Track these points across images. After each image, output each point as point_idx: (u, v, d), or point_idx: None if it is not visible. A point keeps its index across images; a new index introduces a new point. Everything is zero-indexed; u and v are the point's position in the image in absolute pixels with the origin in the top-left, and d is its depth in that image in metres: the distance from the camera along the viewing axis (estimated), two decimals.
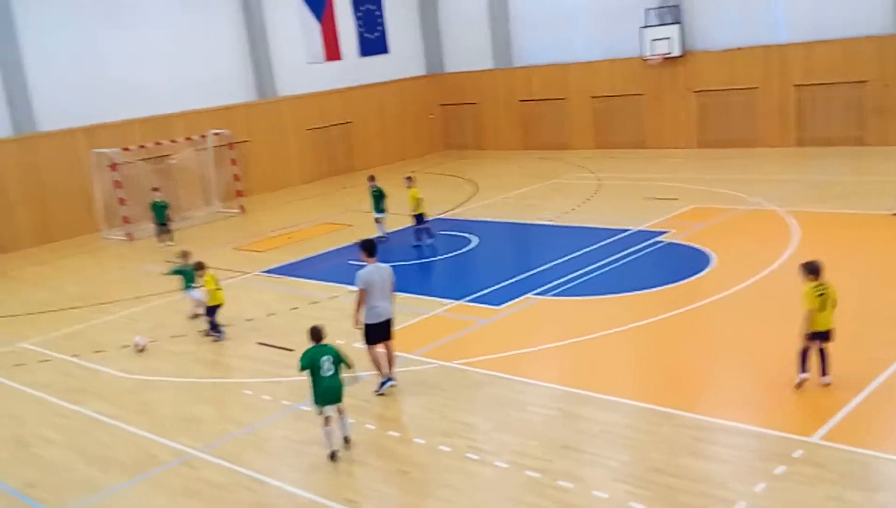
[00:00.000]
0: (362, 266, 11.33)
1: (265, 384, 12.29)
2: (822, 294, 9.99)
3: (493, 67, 33.66)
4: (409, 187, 19.54)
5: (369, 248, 11.47)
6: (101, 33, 26.01)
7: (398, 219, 21.43)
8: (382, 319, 11.32)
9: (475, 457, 9.44)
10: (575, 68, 31.33)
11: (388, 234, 20.48)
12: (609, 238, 18.23)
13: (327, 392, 9.80)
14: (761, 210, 19.41)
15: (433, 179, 27.99)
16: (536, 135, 32.90)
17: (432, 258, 18.80)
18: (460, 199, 24.81)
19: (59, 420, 11.95)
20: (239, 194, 27.24)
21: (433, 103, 35.36)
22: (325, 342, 9.97)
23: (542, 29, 32.18)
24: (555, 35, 31.85)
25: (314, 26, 30.51)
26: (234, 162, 27.26)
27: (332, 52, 31.13)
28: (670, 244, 17.41)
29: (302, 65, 30.31)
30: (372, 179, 21.02)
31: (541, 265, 16.80)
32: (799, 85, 26.57)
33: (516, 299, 14.83)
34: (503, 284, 15.87)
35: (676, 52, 28.27)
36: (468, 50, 34.40)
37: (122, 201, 24.37)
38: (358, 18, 32.07)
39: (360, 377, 11.52)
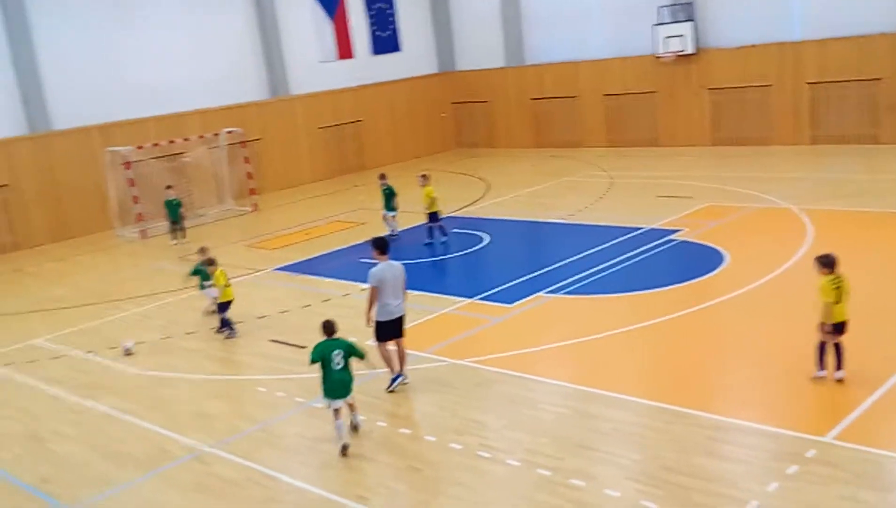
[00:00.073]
0: (374, 264, 11.35)
1: (278, 381, 12.34)
2: (838, 287, 10.09)
3: (504, 65, 33.62)
4: (423, 186, 19.55)
5: (381, 246, 11.50)
6: (115, 32, 26.15)
7: (410, 217, 21.45)
8: (394, 316, 11.34)
9: (486, 455, 9.44)
10: (587, 66, 31.26)
11: (399, 232, 20.51)
12: (621, 236, 18.19)
13: (337, 386, 9.89)
14: (775, 208, 19.32)
15: (445, 177, 27.98)
16: (548, 133, 32.85)
17: (444, 256, 18.81)
18: (472, 197, 24.81)
19: (73, 416, 12.04)
20: (251, 191, 27.32)
21: (445, 101, 35.35)
22: (337, 336, 10.04)
23: (554, 27, 32.12)
24: (567, 33, 31.78)
25: (326, 25, 30.60)
26: (246, 160, 27.34)
27: (345, 50, 31.21)
28: (683, 243, 17.36)
29: (314, 63, 30.42)
30: (383, 177, 21.05)
31: (552, 264, 16.78)
32: (813, 83, 26.41)
33: (528, 298, 14.82)
34: (515, 282, 15.86)
35: (690, 50, 28.16)
36: (480, 48, 34.37)
37: (135, 199, 24.48)
38: (370, 17, 32.14)
39: (378, 371, 11.53)
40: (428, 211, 19.39)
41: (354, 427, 10.27)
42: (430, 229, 19.56)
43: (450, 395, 11.17)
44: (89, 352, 14.70)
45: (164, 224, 23.62)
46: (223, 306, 14.61)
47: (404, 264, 11.78)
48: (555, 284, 15.44)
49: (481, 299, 15.10)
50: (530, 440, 9.68)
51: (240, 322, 14.96)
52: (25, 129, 24.65)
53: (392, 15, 32.92)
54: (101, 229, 25.67)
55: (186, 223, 23.60)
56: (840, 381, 10.15)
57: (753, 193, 20.95)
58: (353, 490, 9.13)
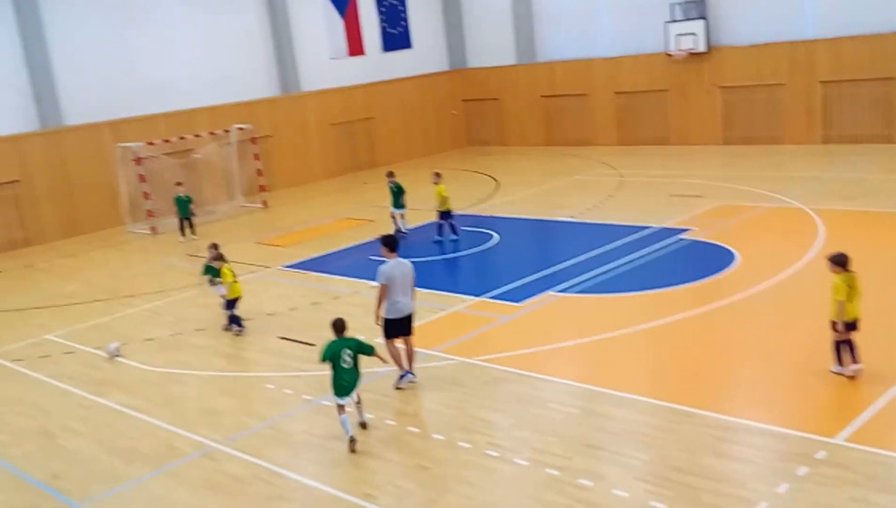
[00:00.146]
0: (383, 262, 11.35)
1: (287, 378, 12.36)
2: (850, 286, 10.16)
3: (515, 62, 33.57)
4: (436, 184, 19.57)
5: (391, 243, 11.50)
6: (126, 29, 26.23)
7: (420, 214, 21.45)
8: (403, 314, 11.35)
9: (495, 454, 9.43)
10: (598, 64, 31.17)
11: (409, 230, 20.51)
12: (631, 235, 18.14)
13: (346, 384, 9.97)
14: (786, 208, 19.23)
15: (455, 174, 27.95)
16: (559, 131, 32.78)
17: (454, 255, 18.80)
18: (482, 195, 24.79)
19: (83, 412, 12.09)
20: (262, 188, 27.37)
21: (456, 99, 35.33)
22: (346, 334, 10.08)
23: (566, 24, 32.05)
24: (578, 30, 31.70)
25: (338, 22, 30.71)
26: (257, 157, 27.39)
27: (355, 47, 31.31)
28: (693, 242, 17.29)
29: (325, 60, 30.52)
30: (391, 175, 21.05)
31: (562, 262, 16.75)
32: (825, 81, 26.27)
33: (537, 296, 14.80)
34: (524, 280, 15.84)
35: (702, 48, 28.04)
36: (491, 45, 34.33)
37: (146, 196, 24.57)
38: (381, 14, 32.21)
39: (388, 369, 11.54)
40: (440, 209, 19.41)
41: (362, 425, 10.31)
42: (440, 225, 19.57)
43: (458, 393, 11.16)
44: (99, 348, 14.74)
45: (174, 220, 23.69)
46: (231, 303, 14.64)
47: (413, 262, 11.77)
48: (564, 282, 15.41)
49: (490, 297, 15.08)
50: (538, 439, 9.66)
51: (249, 319, 15.00)
52: (37, 125, 24.76)
53: (403, 12, 32.97)
54: (111, 225, 25.77)
55: (196, 220, 23.67)
56: (856, 375, 10.17)
57: (765, 192, 20.85)
58: (361, 487, 9.14)
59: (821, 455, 8.62)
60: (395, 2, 32.67)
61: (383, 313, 11.32)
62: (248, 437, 10.60)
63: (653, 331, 12.70)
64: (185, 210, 23.09)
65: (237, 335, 14.58)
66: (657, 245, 17.23)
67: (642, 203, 21.34)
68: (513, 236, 19.91)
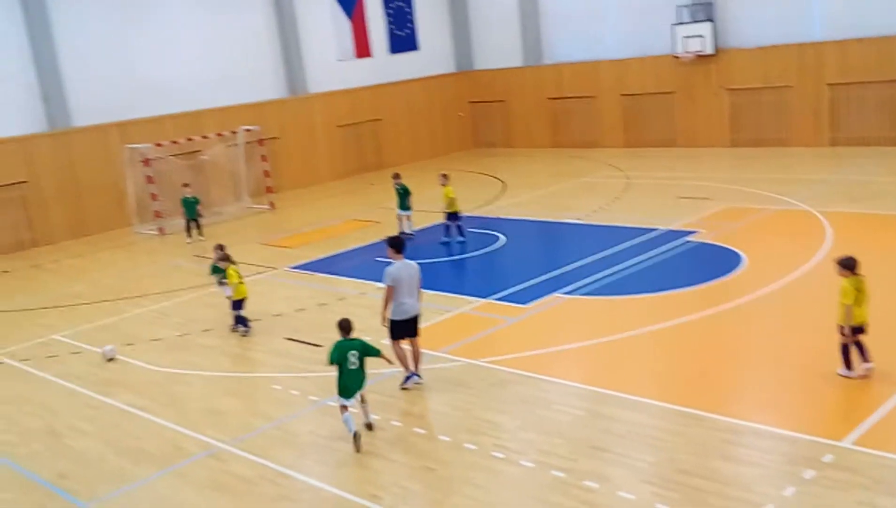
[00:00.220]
0: (390, 263, 11.37)
1: (293, 379, 12.37)
2: (858, 289, 10.13)
3: (522, 64, 33.56)
4: (443, 185, 19.60)
5: (397, 245, 11.51)
6: (134, 30, 26.32)
7: (427, 216, 21.47)
8: (409, 315, 11.36)
9: (501, 456, 9.42)
10: (605, 66, 31.15)
11: (415, 231, 20.52)
12: (638, 237, 18.11)
13: (352, 385, 10.04)
14: (794, 210, 19.18)
15: (462, 176, 27.95)
16: (566, 133, 32.76)
17: (460, 256, 18.81)
18: (488, 197, 24.79)
19: (90, 412, 12.12)
20: (269, 190, 27.42)
21: (463, 100, 35.34)
22: (353, 335, 10.12)
23: (573, 26, 32.04)
24: (585, 32, 31.69)
25: (345, 23, 30.70)
26: (264, 158, 27.44)
27: (363, 49, 31.30)
28: (700, 244, 17.26)
29: (332, 62, 30.52)
30: (396, 176, 21.07)
31: (568, 264, 16.73)
32: (833, 84, 26.20)
33: (543, 298, 14.79)
34: (530, 282, 15.83)
35: (709, 51, 27.99)
36: (498, 47, 34.34)
37: (153, 197, 24.63)
38: (388, 16, 32.22)
39: (393, 370, 11.55)
40: (447, 211, 19.44)
41: (368, 426, 10.33)
42: (448, 227, 19.60)
43: (464, 395, 11.16)
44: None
45: (181, 222, 23.72)
46: (237, 304, 14.67)
47: (420, 263, 11.78)
48: (570, 284, 15.39)
49: (497, 299, 15.07)
50: (544, 441, 9.66)
51: (256, 320, 15.02)
52: (45, 126, 24.86)
53: (410, 14, 32.98)
54: (119, 226, 25.84)
55: (203, 221, 23.72)
56: (868, 374, 10.18)
57: (772, 194, 20.81)
58: (367, 488, 9.14)
59: (828, 458, 8.59)
60: (402, 4, 32.69)
61: (389, 315, 11.33)
62: (255, 438, 10.62)
63: (660, 333, 12.69)
64: (192, 211, 23.13)
65: (244, 335, 14.61)
66: (664, 247, 17.21)
67: (649, 205, 21.31)
68: (519, 237, 19.90)
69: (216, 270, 15.54)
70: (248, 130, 27.37)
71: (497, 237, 19.71)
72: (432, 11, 34.44)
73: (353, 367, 9.99)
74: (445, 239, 19.56)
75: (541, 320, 13.93)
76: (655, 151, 29.59)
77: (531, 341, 12.92)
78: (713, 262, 15.97)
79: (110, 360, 14.05)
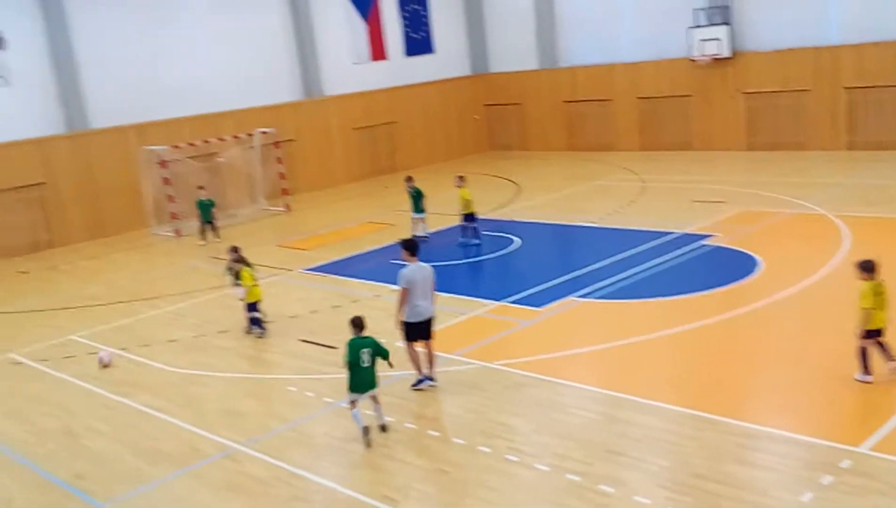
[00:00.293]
0: (404, 265, 11.39)
1: (308, 381, 12.41)
2: (879, 293, 10.09)
3: (538, 67, 33.54)
4: (459, 187, 19.65)
5: (411, 247, 11.54)
6: (151, 32, 26.49)
7: (442, 219, 21.49)
8: (423, 318, 11.38)
9: (515, 459, 9.42)
10: (621, 69, 31.09)
11: (430, 234, 20.55)
12: (653, 241, 18.06)
13: (365, 382, 10.16)
14: (810, 214, 19.07)
15: (477, 179, 27.93)
16: (581, 136, 32.71)
17: (475, 259, 18.81)
18: (504, 199, 24.78)
19: (106, 412, 12.20)
20: (284, 192, 27.51)
21: (478, 103, 35.36)
22: (365, 333, 10.22)
23: (588, 29, 31.99)
24: (600, 36, 31.64)
25: (360, 26, 30.81)
26: (280, 161, 27.54)
27: (378, 51, 31.40)
28: (716, 248, 17.19)
29: (348, 65, 30.63)
30: (409, 179, 21.11)
31: (583, 267, 16.70)
32: (850, 87, 26.04)
33: (558, 301, 14.77)
34: (545, 285, 15.81)
35: (726, 54, 27.88)
36: (513, 50, 34.33)
37: (170, 198, 24.77)
38: (404, 18, 32.31)
39: (404, 373, 11.58)
40: (463, 212, 19.48)
41: (382, 427, 10.35)
42: (465, 228, 19.65)
43: (479, 398, 11.16)
44: (122, 349, 14.89)
45: (198, 223, 23.82)
46: (251, 306, 14.73)
47: (434, 266, 11.80)
48: (585, 288, 15.36)
49: (511, 302, 15.07)
50: (559, 444, 9.64)
51: (271, 322, 15.08)
52: (63, 128, 25.06)
53: (426, 17, 33.05)
54: (136, 227, 26.01)
55: (219, 223, 23.82)
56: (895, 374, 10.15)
57: (788, 198, 20.70)
58: (381, 490, 9.16)
59: (845, 463, 8.53)
60: (417, 7, 32.76)
61: (404, 317, 11.36)
62: (270, 439, 10.66)
63: (675, 337, 12.64)
64: (206, 214, 23.24)
65: (259, 337, 14.67)
66: (679, 251, 17.15)
67: (664, 209, 21.25)
68: (534, 240, 19.88)
69: (231, 272, 15.62)
70: (264, 133, 27.49)
71: (512, 240, 19.70)
72: (448, 14, 34.49)
73: (365, 365, 10.10)
74: (463, 240, 19.59)
75: (555, 323, 13.92)
76: (671, 154, 29.50)
77: (546, 344, 12.91)
78: (729, 266, 15.90)
79: (107, 367, 13.94)
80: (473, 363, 12.32)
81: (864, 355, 10.23)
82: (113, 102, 25.60)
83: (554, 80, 33.06)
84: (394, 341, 12.08)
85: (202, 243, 23.11)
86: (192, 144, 25.95)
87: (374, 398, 10.38)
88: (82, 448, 11.08)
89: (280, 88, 29.85)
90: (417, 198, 20.46)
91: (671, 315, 13.48)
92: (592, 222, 20.65)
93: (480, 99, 35.32)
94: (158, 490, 9.75)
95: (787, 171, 24.48)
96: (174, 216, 24.81)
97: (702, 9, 28.33)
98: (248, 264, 15.06)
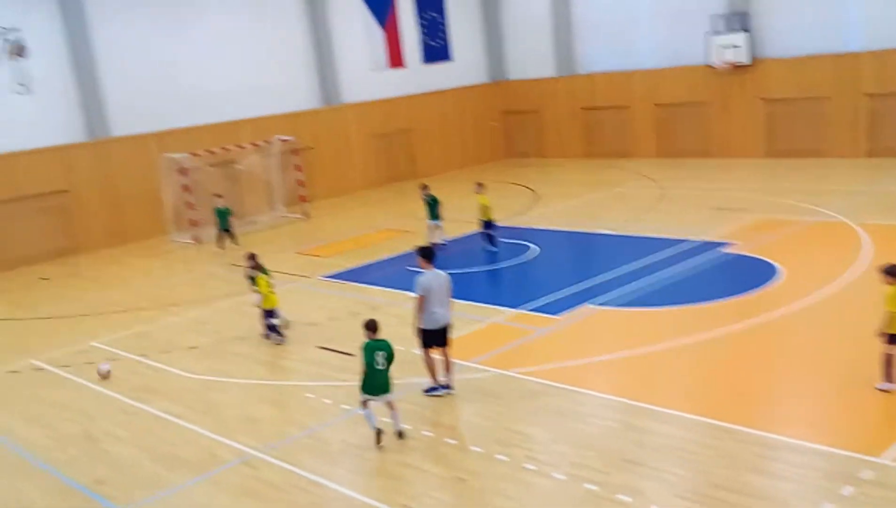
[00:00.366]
0: (421, 273, 11.42)
1: (326, 388, 12.45)
2: None
3: (555, 74, 33.54)
4: (478, 194, 19.71)
5: (428, 255, 11.58)
6: (171, 41, 26.73)
7: (459, 226, 21.51)
8: (440, 325, 11.40)
9: (532, 468, 9.40)
10: (639, 76, 31.03)
11: (447, 241, 20.58)
12: (672, 248, 17.99)
13: (379, 385, 10.26)
14: (831, 222, 18.93)
15: (495, 186, 27.91)
16: (599, 143, 32.67)
17: (492, 266, 18.81)
18: (521, 207, 24.77)
19: (126, 418, 12.29)
20: (302, 199, 27.64)
21: (495, 111, 35.40)
22: (379, 335, 10.34)
23: (606, 36, 31.96)
24: (618, 43, 31.61)
25: (378, 34, 30.94)
26: (298, 168, 27.68)
27: (396, 59, 31.51)
28: (735, 256, 17.10)
29: (366, 72, 30.76)
30: (425, 187, 21.17)
31: (601, 275, 16.66)
32: (870, 94, 25.85)
33: (575, 309, 14.74)
34: (563, 293, 15.78)
35: (745, 60, 27.76)
36: (531, 57, 34.36)
37: (190, 206, 24.95)
38: (421, 26, 32.41)
39: (422, 381, 11.62)
40: (482, 219, 19.52)
41: (399, 434, 10.38)
42: (485, 235, 19.72)
43: (496, 406, 11.16)
44: (142, 355, 15.00)
45: (214, 231, 23.97)
46: (268, 313, 14.80)
47: (451, 273, 11.82)
48: (603, 295, 15.32)
49: (529, 309, 15.05)
50: (576, 453, 9.62)
51: (290, 322, 15.16)
52: (85, 136, 25.31)
53: (443, 24, 33.13)
54: (155, 234, 26.20)
55: (237, 230, 23.95)
56: None
57: (808, 205, 20.56)
58: (397, 498, 9.17)
59: (866, 474, 8.46)
60: (435, 14, 32.86)
61: (421, 324, 11.39)
62: (288, 445, 10.70)
63: (693, 345, 12.58)
64: (223, 222, 23.38)
65: (277, 344, 14.74)
66: (698, 259, 17.07)
67: (683, 216, 21.17)
68: (551, 248, 19.86)
69: (250, 279, 15.71)
70: (282, 140, 27.64)
71: (529, 247, 19.69)
72: (465, 22, 34.57)
73: (380, 367, 10.20)
74: (487, 246, 19.65)
75: (572, 331, 13.89)
76: (689, 161, 29.39)
77: (563, 352, 12.89)
78: (748, 274, 15.81)
79: (104, 378, 13.92)
80: (490, 371, 12.32)
81: (889, 363, 10.13)
82: (133, 110, 25.85)
83: (571, 87, 33.04)
84: (411, 347, 12.11)
85: (220, 250, 23.25)
86: (211, 152, 26.13)
87: (391, 405, 10.42)
88: (102, 454, 11.17)
89: (298, 95, 30.02)
90: (433, 205, 20.51)
91: (689, 323, 13.42)
92: (610, 230, 20.60)
93: (498, 106, 35.36)
94: (177, 495, 9.81)
95: (806, 178, 24.33)
96: (193, 223, 24.98)
97: (720, 16, 28.23)
98: (264, 271, 15.14)
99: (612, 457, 9.42)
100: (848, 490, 8.21)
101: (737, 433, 9.62)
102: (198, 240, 24.82)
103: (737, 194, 23.06)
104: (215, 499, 9.60)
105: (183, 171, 24.97)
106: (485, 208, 19.55)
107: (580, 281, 16.43)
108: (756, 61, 27.92)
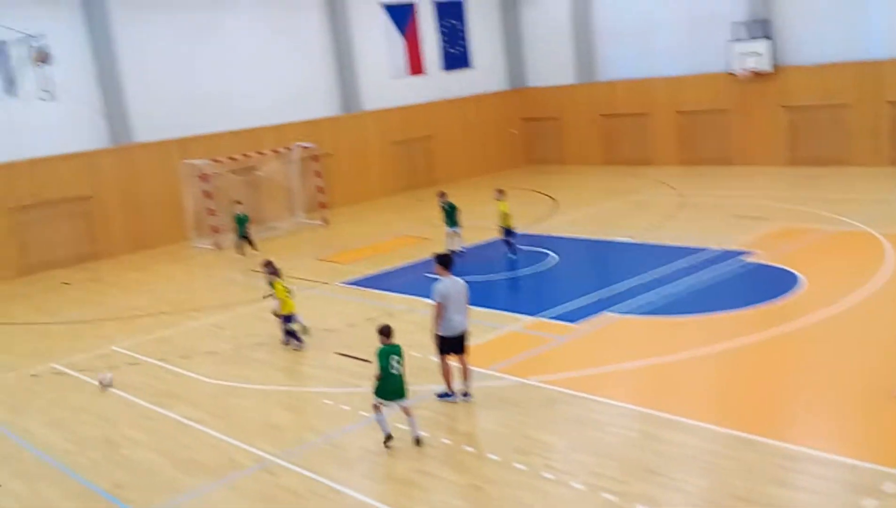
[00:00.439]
0: (438, 280, 11.42)
1: (344, 394, 12.47)
2: None
3: (575, 81, 33.51)
4: (498, 200, 19.71)
5: (445, 262, 11.58)
6: (194, 49, 26.97)
7: (479, 233, 21.50)
8: (457, 332, 11.40)
9: (551, 477, 9.36)
10: (659, 83, 30.93)
11: (466, 248, 20.58)
12: (692, 257, 17.89)
13: (394, 389, 10.33)
14: (853, 231, 18.75)
15: (514, 193, 27.83)
16: (619, 150, 32.57)
17: (511, 274, 18.78)
18: (540, 214, 24.73)
19: (146, 423, 12.37)
20: (322, 205, 27.75)
21: (515, 118, 35.40)
22: (393, 341, 10.41)
23: (626, 43, 31.90)
24: (639, 50, 31.53)
25: (398, 41, 31.09)
26: (318, 174, 27.80)
27: (416, 66, 31.66)
28: (756, 265, 16.97)
29: (386, 79, 30.88)
30: (442, 195, 21.19)
31: (620, 283, 16.59)
32: (893, 102, 25.60)
33: (594, 317, 14.68)
34: (582, 301, 15.72)
35: (767, 68, 27.59)
36: (551, 64, 34.35)
37: (210, 212, 25.10)
38: (441, 33, 32.54)
39: (437, 388, 11.60)
40: (501, 226, 19.51)
41: (417, 441, 10.38)
42: (506, 242, 19.71)
43: (514, 414, 11.13)
44: (162, 360, 15.09)
45: (232, 238, 24.08)
46: (287, 318, 14.85)
47: (470, 280, 11.82)
48: (622, 303, 15.26)
49: (547, 317, 15.00)
50: (595, 462, 9.57)
51: (309, 326, 15.21)
52: (108, 142, 25.56)
53: (463, 32, 33.24)
54: (177, 240, 26.38)
55: (256, 236, 24.06)
56: None
57: (830, 214, 20.38)
58: (415, 505, 9.15)
59: (890, 487, 8.34)
60: (455, 22, 32.97)
61: (439, 331, 11.39)
62: (306, 452, 10.72)
63: (714, 355, 12.49)
64: (242, 228, 23.48)
65: (296, 349, 14.78)
66: (719, 267, 16.96)
67: (704, 224, 21.04)
68: (571, 255, 19.80)
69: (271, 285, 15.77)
70: (303, 147, 27.78)
71: (548, 255, 19.65)
72: (485, 29, 34.63)
73: (395, 372, 10.27)
74: (510, 254, 19.63)
75: (591, 339, 13.83)
76: (710, 169, 29.23)
77: (581, 360, 12.84)
78: (769, 283, 15.69)
79: (108, 388, 13.89)
80: (509, 379, 12.28)
81: None
82: (156, 117, 26.07)
83: (592, 94, 32.99)
84: (428, 354, 12.10)
85: (240, 256, 23.36)
86: (232, 159, 26.29)
87: (407, 411, 10.43)
88: (122, 458, 11.24)
89: (319, 102, 30.17)
90: (451, 212, 20.52)
91: (710, 332, 13.33)
92: (630, 238, 20.51)
93: (518, 113, 35.36)
94: (196, 500, 9.85)
95: (828, 186, 24.12)
96: (214, 229, 25.13)
97: (742, 23, 28.09)
98: (280, 277, 15.20)
99: (631, 467, 9.35)
100: (870, 503, 8.10)
101: (757, 444, 9.53)
102: (218, 246, 24.96)
103: (758, 202, 22.90)
104: (234, 505, 9.63)
105: (204, 177, 25.14)
106: (504, 216, 19.54)
107: (599, 289, 16.36)
108: (778, 69, 27.74)
